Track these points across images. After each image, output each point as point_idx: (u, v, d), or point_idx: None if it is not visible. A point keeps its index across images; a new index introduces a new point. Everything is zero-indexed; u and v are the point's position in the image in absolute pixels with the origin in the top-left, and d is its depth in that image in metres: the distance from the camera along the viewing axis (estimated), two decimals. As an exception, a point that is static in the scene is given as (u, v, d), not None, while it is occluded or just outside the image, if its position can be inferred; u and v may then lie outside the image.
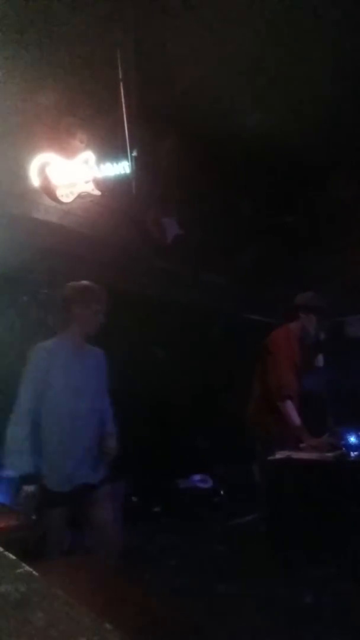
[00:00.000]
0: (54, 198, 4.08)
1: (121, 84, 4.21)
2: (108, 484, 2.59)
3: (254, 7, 3.70)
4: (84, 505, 2.50)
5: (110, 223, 4.53)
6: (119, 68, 4.17)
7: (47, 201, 4.10)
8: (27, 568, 0.75)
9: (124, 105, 4.23)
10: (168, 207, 4.95)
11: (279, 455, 3.10)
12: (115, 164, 4.30)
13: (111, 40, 4.10)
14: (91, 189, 4.25)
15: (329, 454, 3.03)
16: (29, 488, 2.32)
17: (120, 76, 4.20)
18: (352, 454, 3.04)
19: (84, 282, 2.62)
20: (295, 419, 3.29)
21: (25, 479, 2.32)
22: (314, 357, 3.69)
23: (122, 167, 4.31)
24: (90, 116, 4.32)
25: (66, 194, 4.12)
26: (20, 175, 3.94)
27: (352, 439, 3.16)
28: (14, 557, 0.79)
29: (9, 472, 2.33)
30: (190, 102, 4.40)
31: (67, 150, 4.19)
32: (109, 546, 2.56)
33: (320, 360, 3.73)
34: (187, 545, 3.90)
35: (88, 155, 4.25)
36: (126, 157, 4.30)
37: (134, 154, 4.32)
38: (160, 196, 4.85)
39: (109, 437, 2.60)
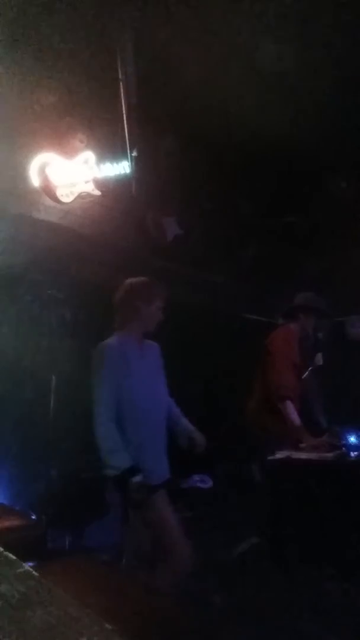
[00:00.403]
0: (54, 198, 4.08)
1: (121, 84, 4.21)
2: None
3: (254, 6, 3.70)
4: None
5: (110, 223, 4.53)
6: (119, 68, 4.17)
7: (47, 201, 4.10)
8: (27, 568, 0.75)
9: (124, 105, 4.24)
10: (168, 207, 4.95)
11: (279, 455, 3.10)
12: (115, 164, 4.30)
13: (111, 40, 4.10)
14: (91, 189, 4.25)
15: (329, 454, 3.03)
16: (138, 479, 2.27)
17: (120, 76, 4.20)
18: (352, 454, 3.04)
19: (145, 278, 2.65)
20: (295, 419, 3.29)
21: (129, 472, 2.28)
22: (314, 356, 3.69)
23: (122, 167, 4.31)
24: (90, 116, 4.32)
25: (66, 194, 4.12)
26: (20, 175, 3.94)
27: (352, 439, 3.16)
28: (14, 557, 0.79)
29: (112, 471, 2.32)
30: (190, 102, 4.40)
31: (67, 150, 4.19)
32: (182, 546, 2.50)
33: (319, 358, 3.73)
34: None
35: (88, 155, 4.25)
36: (126, 157, 4.31)
37: (134, 154, 4.32)
38: (160, 196, 4.85)
39: (194, 432, 2.64)
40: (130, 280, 2.63)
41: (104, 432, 2.31)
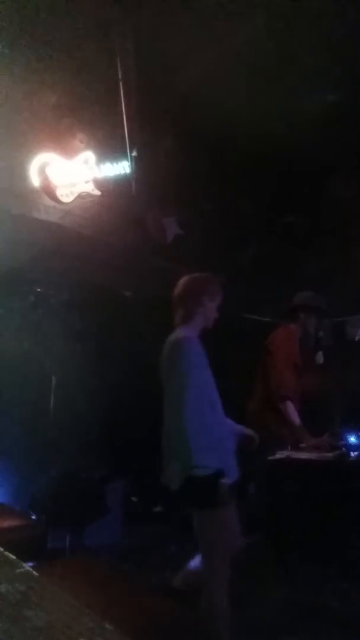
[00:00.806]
0: (54, 198, 4.08)
1: (121, 84, 4.21)
2: None
3: (254, 6, 3.70)
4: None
5: (110, 223, 4.53)
6: (119, 68, 4.17)
7: (47, 201, 4.10)
8: (27, 568, 0.75)
9: (124, 105, 4.23)
10: (168, 207, 4.95)
11: (279, 455, 3.10)
12: (115, 164, 4.30)
13: (111, 40, 4.09)
14: (91, 189, 4.25)
15: (329, 454, 3.03)
16: (226, 480, 2.15)
17: (120, 76, 4.20)
18: (352, 454, 3.04)
19: (208, 274, 2.62)
20: (295, 419, 3.29)
21: (218, 473, 2.15)
22: (314, 355, 3.69)
23: (122, 167, 4.31)
24: (90, 116, 4.32)
25: (66, 194, 4.12)
26: (20, 175, 3.94)
27: (352, 439, 3.16)
28: (14, 557, 0.79)
29: (199, 471, 2.15)
30: (190, 102, 4.40)
31: (67, 150, 4.19)
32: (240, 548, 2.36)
33: (320, 357, 3.74)
34: (187, 545, 3.90)
35: (88, 155, 4.25)
36: (126, 157, 4.30)
37: (134, 154, 4.32)
38: (160, 196, 4.85)
39: (245, 428, 2.62)
40: (194, 275, 2.59)
41: (193, 429, 2.15)
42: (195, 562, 2.39)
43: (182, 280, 2.60)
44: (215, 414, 2.28)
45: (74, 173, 4.17)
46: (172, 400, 2.28)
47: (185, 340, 2.33)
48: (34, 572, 0.74)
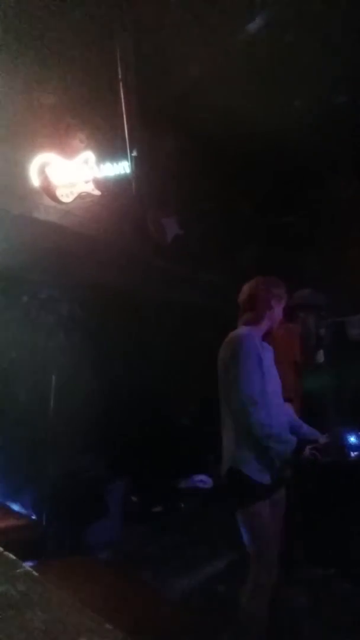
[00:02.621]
0: (54, 198, 4.08)
1: (121, 84, 4.21)
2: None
3: (254, 6, 3.70)
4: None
5: (110, 223, 4.53)
6: (119, 68, 4.17)
7: (47, 201, 4.10)
8: (27, 568, 0.75)
9: (124, 105, 4.23)
10: (168, 207, 4.95)
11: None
12: (115, 164, 4.30)
13: (111, 40, 4.10)
14: (91, 189, 4.25)
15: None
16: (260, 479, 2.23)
17: (120, 76, 4.20)
18: (352, 454, 3.04)
19: (275, 277, 2.69)
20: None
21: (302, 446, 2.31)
22: (315, 353, 3.69)
23: (122, 167, 4.31)
24: (90, 116, 4.32)
25: (66, 194, 4.12)
26: (20, 175, 3.94)
27: (352, 439, 3.16)
28: (14, 557, 0.79)
29: (282, 447, 2.25)
30: (190, 102, 4.40)
31: (67, 150, 4.19)
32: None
33: (320, 356, 3.73)
34: (187, 546, 3.90)
35: (88, 155, 4.25)
36: (126, 157, 4.30)
37: (134, 154, 4.31)
38: (160, 196, 4.85)
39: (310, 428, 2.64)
40: (264, 278, 2.64)
41: (265, 416, 2.21)
42: None
43: (251, 284, 2.64)
44: (270, 412, 2.27)
45: (74, 173, 4.17)
46: (228, 392, 2.35)
47: (244, 337, 2.38)
48: (34, 572, 0.74)
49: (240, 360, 2.30)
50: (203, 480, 5.06)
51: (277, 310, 2.55)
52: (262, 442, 2.20)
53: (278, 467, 2.27)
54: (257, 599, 2.15)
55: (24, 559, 0.79)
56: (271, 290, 2.56)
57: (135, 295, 4.79)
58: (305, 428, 2.60)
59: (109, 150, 4.34)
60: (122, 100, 4.23)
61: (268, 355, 2.47)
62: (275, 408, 2.32)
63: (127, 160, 4.30)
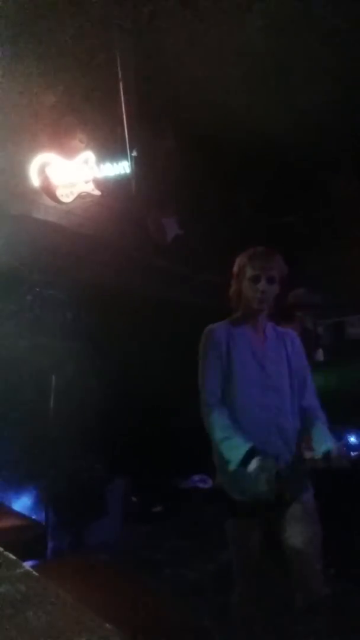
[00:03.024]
0: (54, 198, 4.08)
1: (121, 84, 4.21)
2: (310, 499, 2.03)
3: (254, 6, 3.70)
4: (276, 523, 1.98)
5: (110, 223, 4.53)
6: (119, 68, 4.16)
7: (47, 201, 4.10)
8: (27, 568, 0.75)
9: (124, 105, 4.23)
10: (168, 207, 4.95)
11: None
12: (115, 164, 4.30)
13: (111, 40, 4.09)
14: (91, 189, 4.25)
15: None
16: (254, 464, 1.78)
17: (120, 76, 4.19)
18: (352, 453, 3.04)
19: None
20: None
21: (251, 455, 1.81)
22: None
23: (122, 167, 4.31)
24: (90, 116, 4.32)
25: (66, 194, 4.12)
26: (20, 175, 3.94)
27: (352, 439, 3.16)
28: (14, 557, 0.79)
29: (231, 466, 1.85)
30: (190, 102, 4.40)
31: (67, 150, 4.19)
32: (307, 585, 1.97)
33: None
34: (187, 546, 3.90)
35: (88, 155, 4.25)
36: (126, 157, 4.30)
37: (134, 154, 4.31)
38: (160, 196, 4.85)
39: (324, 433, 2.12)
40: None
41: (218, 417, 1.99)
42: None
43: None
44: (232, 407, 2.00)
45: (74, 173, 4.17)
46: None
47: (205, 332, 2.18)
48: (34, 572, 0.74)
49: (200, 358, 2.11)
50: (203, 480, 5.06)
51: (246, 285, 2.06)
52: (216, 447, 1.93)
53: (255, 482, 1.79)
54: (241, 606, 2.08)
55: (24, 559, 0.79)
56: (233, 269, 2.15)
57: (135, 295, 4.79)
58: (319, 433, 2.03)
59: (109, 150, 4.34)
60: (122, 100, 4.23)
61: (244, 344, 2.05)
62: (251, 407, 1.97)
63: (127, 160, 4.30)
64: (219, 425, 1.95)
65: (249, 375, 2.02)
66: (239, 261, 2.14)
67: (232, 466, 1.84)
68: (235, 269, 2.15)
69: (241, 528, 2.01)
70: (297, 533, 1.93)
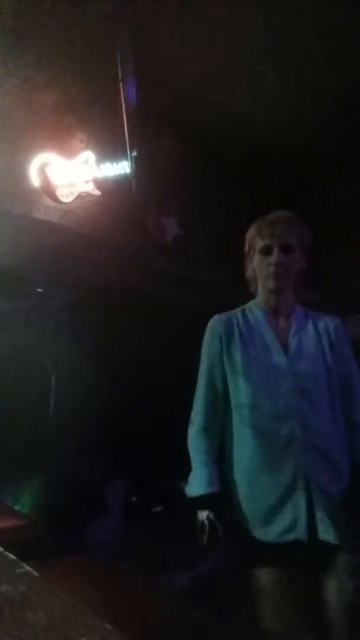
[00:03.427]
0: (54, 198, 4.08)
1: (121, 84, 4.21)
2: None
3: (254, 6, 3.70)
4: (315, 576, 1.46)
5: (110, 223, 4.53)
6: (119, 68, 4.16)
7: (47, 201, 4.10)
8: (27, 568, 0.75)
9: (124, 105, 4.23)
10: (168, 207, 4.95)
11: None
12: (115, 164, 4.30)
13: (111, 40, 4.09)
14: (91, 189, 4.25)
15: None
16: (203, 514, 1.51)
17: (120, 76, 4.19)
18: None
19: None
20: None
21: (204, 500, 1.51)
22: None
23: (122, 167, 4.31)
24: (90, 116, 4.32)
25: (66, 194, 4.12)
26: (20, 175, 3.94)
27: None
28: (14, 557, 0.79)
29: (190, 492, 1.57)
30: (190, 102, 4.40)
31: (67, 150, 4.19)
32: None
33: None
34: (187, 546, 3.89)
35: (88, 155, 4.25)
36: (126, 157, 4.30)
37: (134, 154, 4.31)
38: (160, 196, 4.85)
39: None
40: None
41: (196, 433, 1.72)
42: None
43: None
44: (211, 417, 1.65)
45: (74, 173, 4.17)
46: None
47: (208, 325, 1.80)
48: (34, 572, 0.74)
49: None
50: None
51: (257, 261, 1.63)
52: None
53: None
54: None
55: (24, 559, 0.79)
56: (244, 248, 1.72)
57: (135, 295, 4.79)
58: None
59: (109, 150, 4.34)
60: (122, 100, 4.23)
61: (260, 336, 1.59)
62: (267, 425, 1.47)
63: (127, 160, 4.30)
64: (190, 439, 1.66)
65: (263, 377, 1.51)
66: (248, 235, 1.71)
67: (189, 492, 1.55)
68: (245, 246, 1.72)
69: (263, 579, 1.49)
70: (343, 590, 1.43)
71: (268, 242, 1.61)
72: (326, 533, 1.39)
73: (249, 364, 1.55)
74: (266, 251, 1.61)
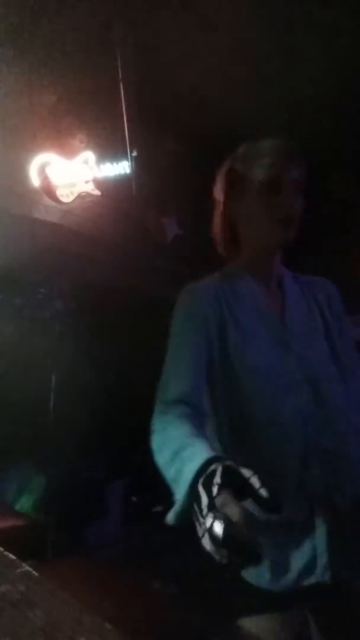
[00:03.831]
0: (54, 198, 4.08)
1: (121, 84, 4.21)
2: None
3: (253, 6, 3.70)
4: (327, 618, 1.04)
5: (110, 223, 4.53)
6: (119, 68, 4.17)
7: (47, 201, 4.10)
8: (27, 568, 0.75)
9: (124, 105, 4.23)
10: (168, 207, 4.95)
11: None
12: (115, 164, 4.31)
13: (111, 40, 4.09)
14: (91, 189, 4.25)
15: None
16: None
17: (120, 76, 4.20)
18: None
19: None
20: None
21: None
22: None
23: (122, 167, 4.31)
24: (90, 116, 4.32)
25: (66, 194, 4.12)
26: (20, 175, 3.94)
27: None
28: (14, 557, 0.79)
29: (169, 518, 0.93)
30: (190, 101, 4.40)
31: (67, 150, 4.19)
32: None
33: None
34: (188, 546, 3.89)
35: (88, 155, 4.26)
36: (126, 157, 4.31)
37: (134, 154, 4.32)
38: (160, 196, 4.85)
39: None
40: None
41: (157, 437, 1.12)
42: None
43: None
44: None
45: (74, 173, 4.17)
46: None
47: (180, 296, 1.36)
48: (34, 572, 0.74)
49: (170, 337, 1.28)
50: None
51: (254, 203, 1.17)
52: None
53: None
54: None
55: (24, 559, 0.78)
56: (214, 187, 1.30)
57: (135, 295, 4.79)
58: None
59: (109, 150, 4.34)
60: (122, 100, 4.23)
61: (250, 308, 1.16)
62: (269, 416, 1.06)
63: (127, 160, 4.30)
64: (153, 439, 1.04)
65: (261, 359, 1.10)
66: (230, 166, 1.24)
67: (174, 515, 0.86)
68: (222, 182, 1.25)
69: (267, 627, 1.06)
70: None
71: (275, 172, 1.13)
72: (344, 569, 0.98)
73: (250, 356, 1.11)
74: (272, 188, 1.12)
